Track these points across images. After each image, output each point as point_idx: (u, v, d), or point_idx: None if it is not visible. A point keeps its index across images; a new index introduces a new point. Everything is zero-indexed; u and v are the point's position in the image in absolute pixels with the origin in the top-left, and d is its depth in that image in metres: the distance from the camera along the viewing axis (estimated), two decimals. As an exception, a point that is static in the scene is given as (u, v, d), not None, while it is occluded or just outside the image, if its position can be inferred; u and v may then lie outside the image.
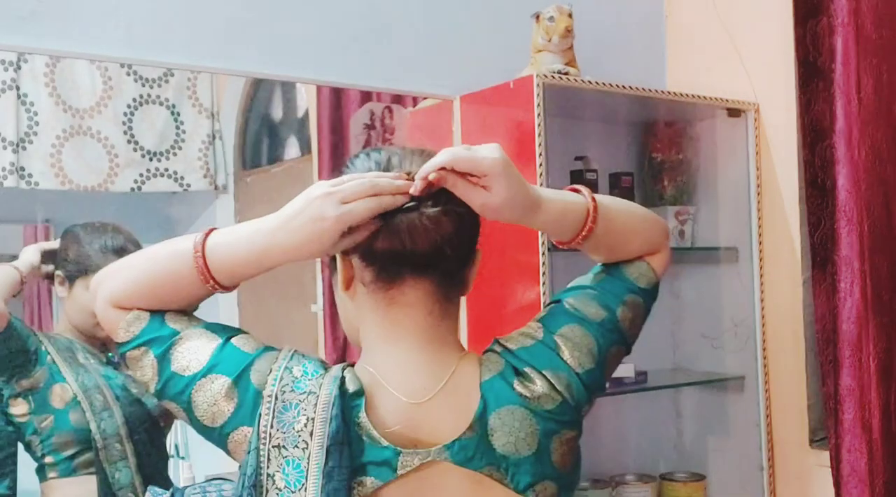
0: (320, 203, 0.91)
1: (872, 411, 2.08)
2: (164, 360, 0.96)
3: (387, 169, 0.98)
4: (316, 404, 0.90)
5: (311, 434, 0.89)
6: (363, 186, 0.91)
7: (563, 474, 0.98)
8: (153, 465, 1.72)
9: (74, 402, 1.65)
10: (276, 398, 0.91)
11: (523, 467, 0.94)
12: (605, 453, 2.44)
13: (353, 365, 0.98)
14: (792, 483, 2.37)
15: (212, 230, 0.99)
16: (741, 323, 2.44)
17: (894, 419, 2.11)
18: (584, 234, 1.06)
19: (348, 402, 0.92)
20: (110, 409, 1.67)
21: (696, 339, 2.57)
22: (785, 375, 2.37)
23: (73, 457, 1.65)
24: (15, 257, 1.77)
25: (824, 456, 2.23)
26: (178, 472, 1.84)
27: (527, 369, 0.99)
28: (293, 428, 0.90)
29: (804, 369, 2.33)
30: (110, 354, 1.76)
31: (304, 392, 0.91)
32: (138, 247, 1.76)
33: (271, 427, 0.90)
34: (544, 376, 0.98)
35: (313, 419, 0.90)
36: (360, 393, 0.93)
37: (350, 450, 0.90)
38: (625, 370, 2.23)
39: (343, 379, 0.93)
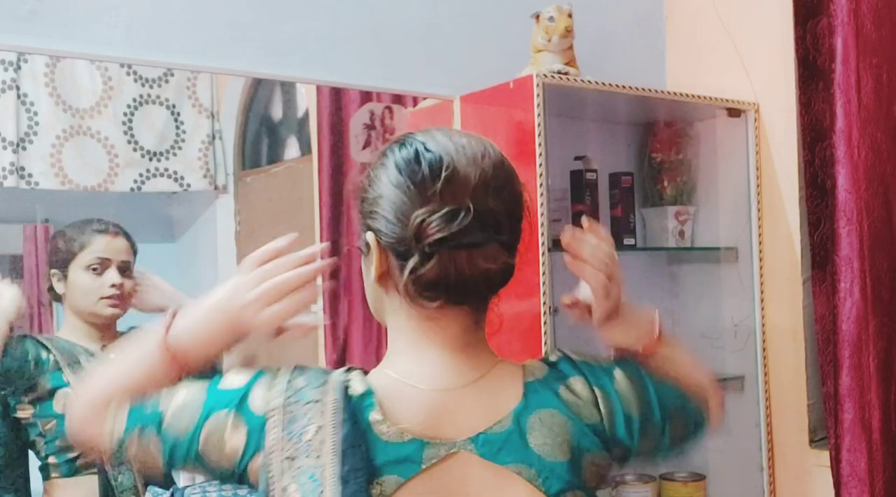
0: (240, 314, 0.98)
1: (872, 411, 2.08)
2: (160, 433, 0.95)
3: (440, 189, 0.91)
4: (324, 412, 0.90)
5: (323, 441, 0.88)
6: (275, 292, 0.96)
7: (591, 490, 0.98)
8: None
9: None
10: (283, 410, 0.91)
11: (557, 472, 0.94)
12: (605, 453, 2.43)
13: (353, 368, 0.97)
14: (792, 483, 2.37)
15: (170, 324, 1.01)
16: (741, 323, 2.44)
17: (894, 419, 2.11)
18: (650, 349, 1.10)
19: (359, 404, 0.91)
20: None
21: (696, 339, 2.57)
22: (785, 375, 2.37)
23: (76, 458, 1.65)
24: (15, 257, 1.78)
25: (824, 456, 2.23)
26: (179, 473, 1.84)
27: (575, 378, 1.01)
28: (303, 438, 0.89)
29: (804, 369, 2.33)
30: (112, 355, 1.76)
31: (310, 401, 0.91)
32: (120, 227, 1.78)
33: (281, 439, 0.90)
34: (592, 390, 1.00)
35: (323, 426, 0.89)
36: (368, 393, 0.93)
37: (364, 451, 0.89)
38: (625, 370, 2.23)
39: (347, 384, 0.93)
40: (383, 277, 0.97)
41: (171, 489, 1.62)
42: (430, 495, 0.90)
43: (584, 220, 1.01)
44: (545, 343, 1.94)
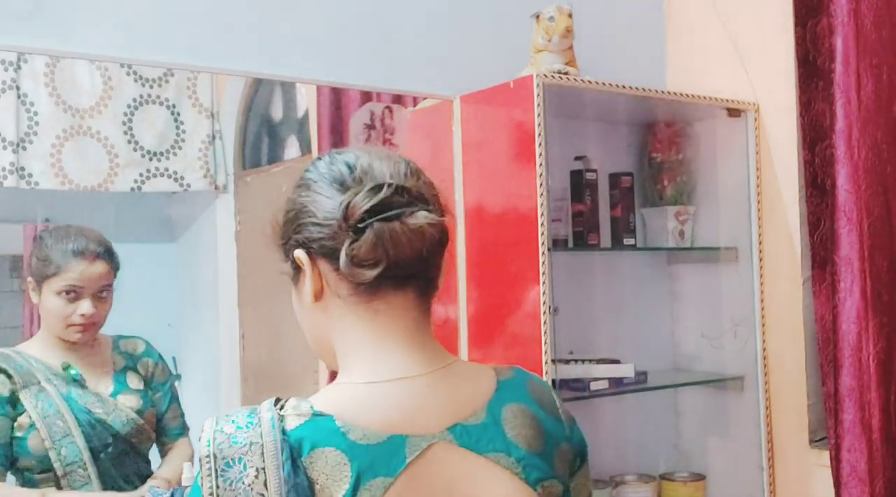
0: None
1: (872, 411, 2.08)
2: None
3: (353, 177, 0.94)
4: (263, 453, 0.87)
5: (266, 483, 0.86)
6: None
7: (566, 480, 0.99)
8: (120, 488, 1.70)
9: (31, 427, 1.64)
10: (215, 457, 0.88)
11: (533, 461, 0.95)
12: (605, 453, 2.43)
13: (282, 399, 0.94)
14: (792, 483, 2.37)
15: None
16: (741, 323, 2.44)
17: (894, 419, 2.11)
18: None
19: (315, 424, 0.89)
20: (71, 434, 1.66)
21: (696, 339, 2.57)
22: (785, 375, 2.37)
23: (37, 474, 1.65)
24: (15, 257, 1.77)
25: (824, 456, 2.23)
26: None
27: (537, 382, 1.03)
28: (242, 483, 0.86)
29: (804, 369, 2.33)
30: (73, 372, 1.72)
31: (245, 444, 0.88)
32: (104, 246, 1.75)
33: (217, 487, 0.87)
34: (552, 393, 1.03)
35: (264, 469, 0.87)
36: (318, 413, 0.90)
37: (307, 490, 0.87)
38: (625, 370, 2.23)
39: (282, 419, 0.90)
40: (320, 294, 0.96)
41: (171, 490, 1.62)
42: (417, 491, 0.90)
43: None
44: (545, 343, 1.94)
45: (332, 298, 0.96)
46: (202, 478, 0.87)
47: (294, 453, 0.87)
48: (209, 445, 0.88)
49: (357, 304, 0.94)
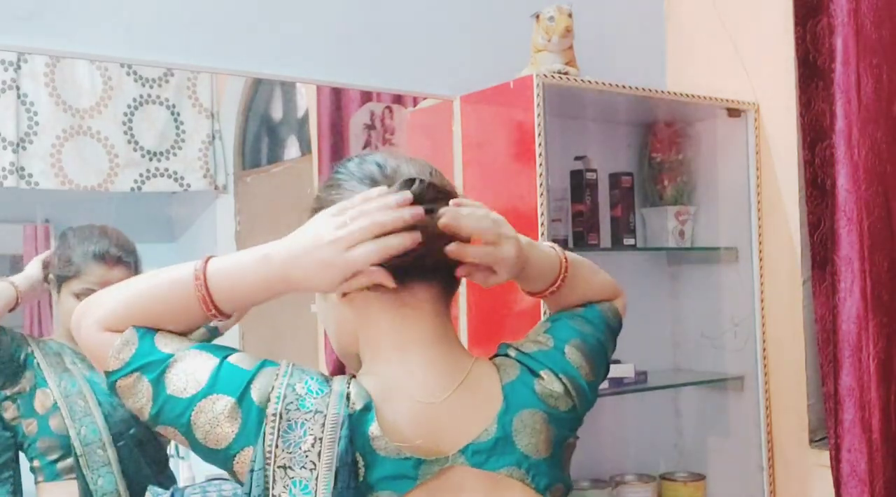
0: (327, 249, 0.90)
1: (872, 411, 2.08)
2: (158, 383, 0.92)
3: (384, 175, 0.97)
4: (324, 424, 0.88)
5: (319, 455, 0.87)
6: (368, 230, 0.89)
7: (567, 478, 1.01)
8: (140, 471, 1.70)
9: (54, 407, 1.64)
10: (281, 417, 0.89)
11: (542, 468, 0.96)
12: (605, 453, 2.44)
13: (354, 376, 0.96)
14: (792, 483, 2.37)
15: (210, 257, 0.96)
16: (741, 323, 2.45)
17: (894, 419, 2.11)
18: (554, 288, 1.11)
19: (359, 417, 0.90)
20: (91, 414, 1.66)
21: (696, 339, 2.57)
22: (785, 375, 2.37)
23: (56, 461, 1.64)
24: (16, 257, 1.77)
25: (824, 456, 2.23)
26: (178, 472, 1.84)
27: (544, 372, 1.01)
28: (300, 448, 0.88)
29: (804, 369, 2.33)
30: None
31: (311, 411, 0.89)
32: (125, 250, 1.74)
33: (276, 447, 0.88)
34: (561, 380, 1.01)
35: (321, 439, 0.88)
36: (369, 407, 0.91)
37: (357, 470, 0.89)
38: (625, 370, 2.23)
39: (349, 395, 0.91)
40: None
41: (171, 489, 1.62)
42: None
43: (452, 202, 0.95)
44: (545, 343, 1.94)
45: (359, 291, 0.96)
46: (265, 434, 0.88)
47: (352, 433, 0.89)
48: (278, 402, 0.89)
49: (383, 295, 0.95)
